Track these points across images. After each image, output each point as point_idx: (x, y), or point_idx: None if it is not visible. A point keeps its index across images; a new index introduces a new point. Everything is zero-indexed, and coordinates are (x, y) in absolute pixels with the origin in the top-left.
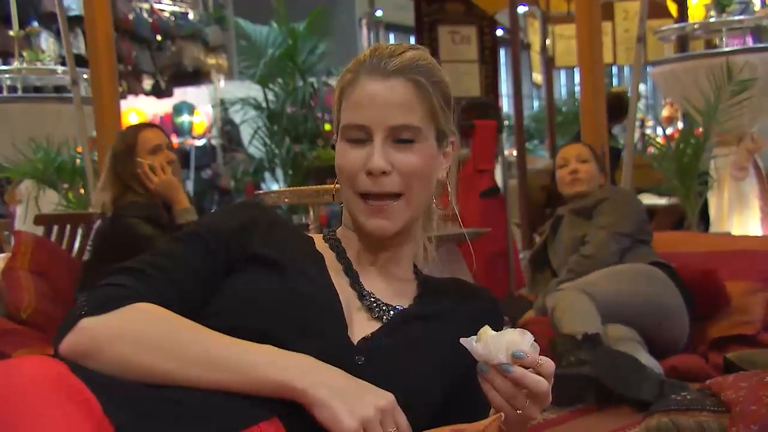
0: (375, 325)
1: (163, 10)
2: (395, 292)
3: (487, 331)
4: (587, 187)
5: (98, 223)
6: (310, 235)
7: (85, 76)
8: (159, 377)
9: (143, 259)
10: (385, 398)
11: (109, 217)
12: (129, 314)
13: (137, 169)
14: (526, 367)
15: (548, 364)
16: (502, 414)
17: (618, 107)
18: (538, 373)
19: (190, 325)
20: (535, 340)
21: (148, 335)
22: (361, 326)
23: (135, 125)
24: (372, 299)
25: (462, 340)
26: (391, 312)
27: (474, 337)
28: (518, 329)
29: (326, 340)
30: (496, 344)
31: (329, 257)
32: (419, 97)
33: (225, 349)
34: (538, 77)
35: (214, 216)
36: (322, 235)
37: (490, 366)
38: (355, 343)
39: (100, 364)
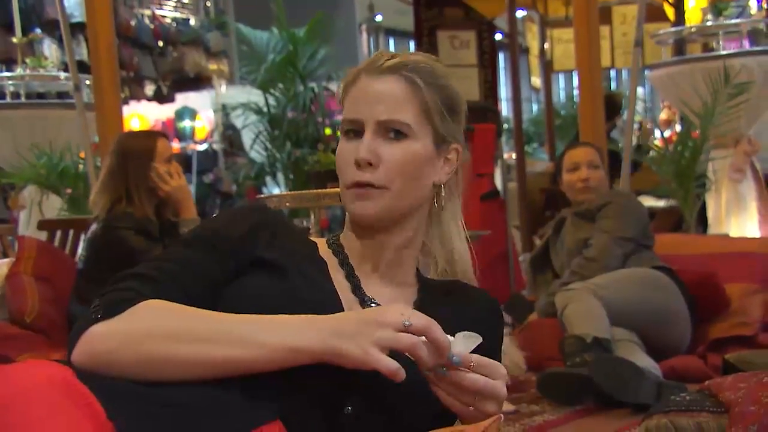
0: None
1: (165, 17)
2: (396, 298)
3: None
4: (597, 194)
5: (92, 227)
6: (313, 239)
7: (87, 82)
8: (178, 365)
9: (151, 264)
10: (392, 315)
11: (101, 224)
12: (137, 313)
13: (151, 172)
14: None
15: (482, 362)
16: (502, 415)
17: (609, 107)
18: (482, 374)
19: (197, 310)
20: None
21: (158, 327)
22: None
23: (149, 131)
24: (373, 305)
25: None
26: None
27: None
28: (464, 332)
29: None
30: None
31: (332, 263)
32: (411, 95)
33: (236, 325)
34: (536, 81)
35: (221, 219)
36: (325, 239)
37: (432, 371)
38: None
39: (117, 368)
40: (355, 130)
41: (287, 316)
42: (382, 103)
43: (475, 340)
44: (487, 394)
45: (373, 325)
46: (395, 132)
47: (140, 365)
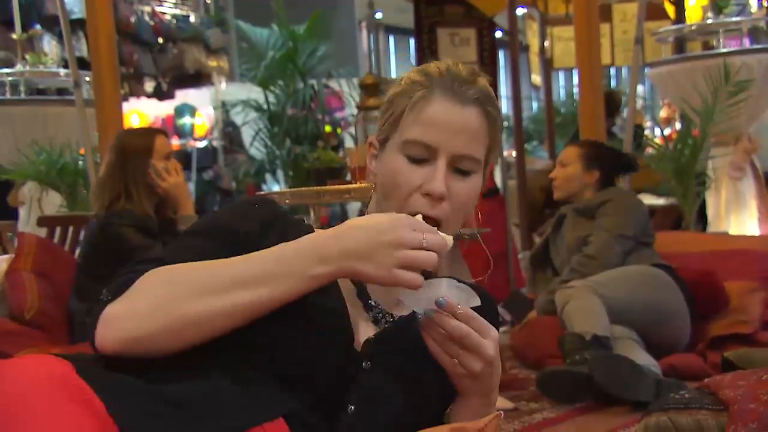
0: None
1: (165, 13)
2: (399, 302)
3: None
4: (564, 193)
5: (92, 224)
6: None
7: (87, 78)
8: (204, 320)
9: (163, 250)
10: (407, 234)
11: (100, 220)
12: (149, 281)
13: (149, 169)
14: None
15: (471, 314)
16: (501, 412)
17: (609, 105)
18: (471, 327)
19: (203, 262)
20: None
21: (175, 290)
22: (366, 335)
23: (148, 128)
24: (378, 310)
25: (401, 293)
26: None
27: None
28: (458, 283)
29: (332, 346)
30: (429, 293)
31: None
32: (486, 130)
33: (248, 266)
34: (536, 79)
35: (229, 213)
36: None
37: (422, 313)
38: (360, 348)
39: (147, 342)
40: (422, 156)
41: (289, 243)
42: (463, 135)
43: (469, 296)
44: (471, 346)
45: (389, 246)
46: (466, 167)
47: (170, 330)
